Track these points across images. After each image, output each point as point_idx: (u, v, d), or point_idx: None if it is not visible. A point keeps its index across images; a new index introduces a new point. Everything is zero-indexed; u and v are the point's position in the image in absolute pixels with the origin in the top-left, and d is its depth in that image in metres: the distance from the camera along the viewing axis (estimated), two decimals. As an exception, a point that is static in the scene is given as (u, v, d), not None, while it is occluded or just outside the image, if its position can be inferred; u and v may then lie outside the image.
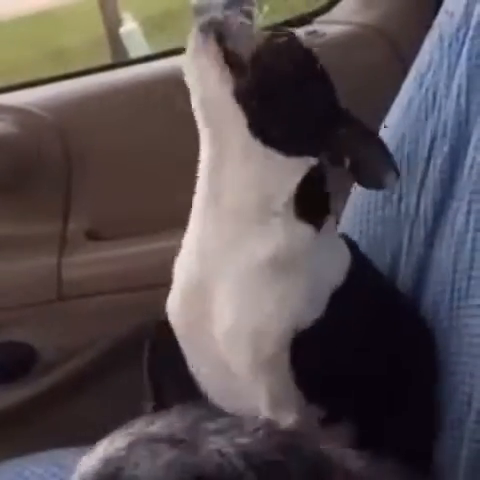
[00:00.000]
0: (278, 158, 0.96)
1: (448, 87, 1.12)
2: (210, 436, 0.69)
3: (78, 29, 3.39)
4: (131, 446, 0.69)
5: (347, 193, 1.28)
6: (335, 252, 1.00)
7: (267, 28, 1.66)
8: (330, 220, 1.01)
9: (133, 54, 3.05)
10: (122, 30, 3.14)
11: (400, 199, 1.18)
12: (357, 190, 1.26)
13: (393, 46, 1.47)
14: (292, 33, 1.03)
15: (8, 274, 1.41)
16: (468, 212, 1.09)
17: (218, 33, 0.98)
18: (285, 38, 1.01)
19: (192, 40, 1.00)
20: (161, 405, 0.77)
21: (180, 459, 0.67)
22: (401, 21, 1.49)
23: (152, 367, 0.90)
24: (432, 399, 1.06)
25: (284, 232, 0.96)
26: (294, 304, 0.95)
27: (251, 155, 0.96)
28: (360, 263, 1.03)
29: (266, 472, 0.67)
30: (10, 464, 1.17)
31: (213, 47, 0.98)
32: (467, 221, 1.08)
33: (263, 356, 0.94)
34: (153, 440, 0.69)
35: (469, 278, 1.07)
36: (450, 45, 1.13)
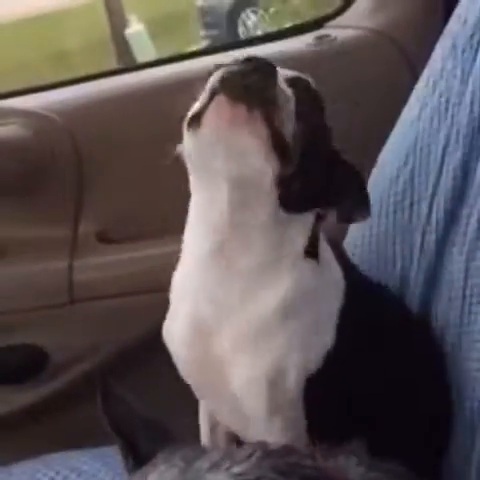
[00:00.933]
0: (297, 218, 0.96)
1: (461, 94, 1.12)
2: (206, 474, 0.68)
3: (82, 31, 3.40)
4: None
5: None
6: (331, 278, 1.00)
7: (279, 32, 1.66)
8: (322, 246, 1.00)
9: (139, 55, 3.06)
10: (128, 32, 3.15)
11: (411, 205, 1.18)
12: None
13: (403, 51, 1.47)
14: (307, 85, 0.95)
15: (20, 277, 1.41)
16: (480, 219, 1.09)
17: (266, 108, 0.87)
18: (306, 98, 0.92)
19: (218, 119, 0.88)
20: (137, 456, 0.74)
21: None
22: (411, 27, 1.49)
23: (113, 421, 0.81)
24: (441, 410, 1.06)
25: (292, 273, 0.96)
26: (305, 343, 0.95)
27: (275, 221, 0.95)
28: (358, 285, 1.03)
29: None
30: (22, 466, 1.17)
31: (261, 127, 0.87)
32: (479, 228, 1.09)
33: (279, 401, 0.95)
34: None
35: (481, 285, 1.08)
36: (463, 52, 1.14)
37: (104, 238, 1.43)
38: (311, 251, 0.98)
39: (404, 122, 1.24)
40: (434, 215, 1.15)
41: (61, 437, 1.34)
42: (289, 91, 0.90)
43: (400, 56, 1.45)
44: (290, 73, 0.95)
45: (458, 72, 1.14)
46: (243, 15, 3.44)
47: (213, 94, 0.90)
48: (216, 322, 0.96)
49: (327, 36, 1.47)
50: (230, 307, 0.95)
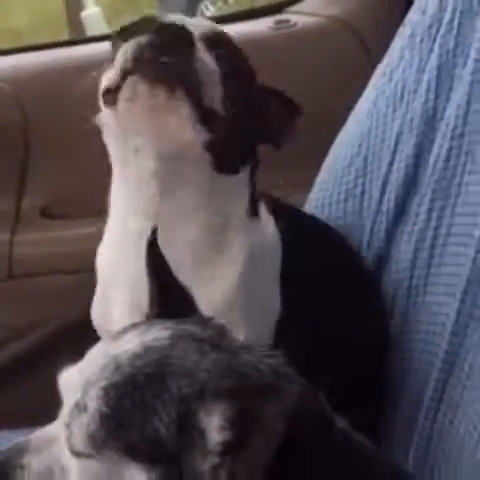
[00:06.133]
0: (233, 179, 0.93)
1: (418, 82, 1.12)
2: (240, 351, 0.70)
3: (37, 12, 3.35)
4: (174, 338, 0.69)
5: (309, 186, 1.27)
6: (271, 241, 0.97)
7: (238, 14, 1.64)
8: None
9: (93, 38, 3.00)
10: (83, 14, 3.10)
11: (363, 193, 1.18)
12: (318, 183, 1.26)
13: (361, 40, 1.47)
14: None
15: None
16: (430, 210, 1.08)
17: (188, 84, 0.82)
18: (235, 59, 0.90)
19: (137, 102, 0.82)
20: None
21: (225, 361, 0.68)
22: (370, 16, 1.49)
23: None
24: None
25: (245, 244, 0.93)
26: (255, 318, 0.93)
27: (212, 187, 0.91)
28: (298, 240, 1.01)
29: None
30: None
31: (185, 105, 0.83)
32: (428, 218, 1.08)
33: None
34: (195, 339, 0.69)
35: (427, 275, 1.07)
36: (422, 41, 1.13)
37: (47, 214, 1.40)
38: (252, 211, 0.95)
39: (359, 110, 1.23)
40: (385, 204, 1.14)
41: (1, 416, 1.30)
42: (210, 59, 0.85)
43: (358, 44, 1.45)
44: (206, 28, 0.89)
45: (415, 61, 1.14)
46: (202, 6, 3.42)
47: (125, 73, 0.84)
48: None
49: (287, 21, 1.46)
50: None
